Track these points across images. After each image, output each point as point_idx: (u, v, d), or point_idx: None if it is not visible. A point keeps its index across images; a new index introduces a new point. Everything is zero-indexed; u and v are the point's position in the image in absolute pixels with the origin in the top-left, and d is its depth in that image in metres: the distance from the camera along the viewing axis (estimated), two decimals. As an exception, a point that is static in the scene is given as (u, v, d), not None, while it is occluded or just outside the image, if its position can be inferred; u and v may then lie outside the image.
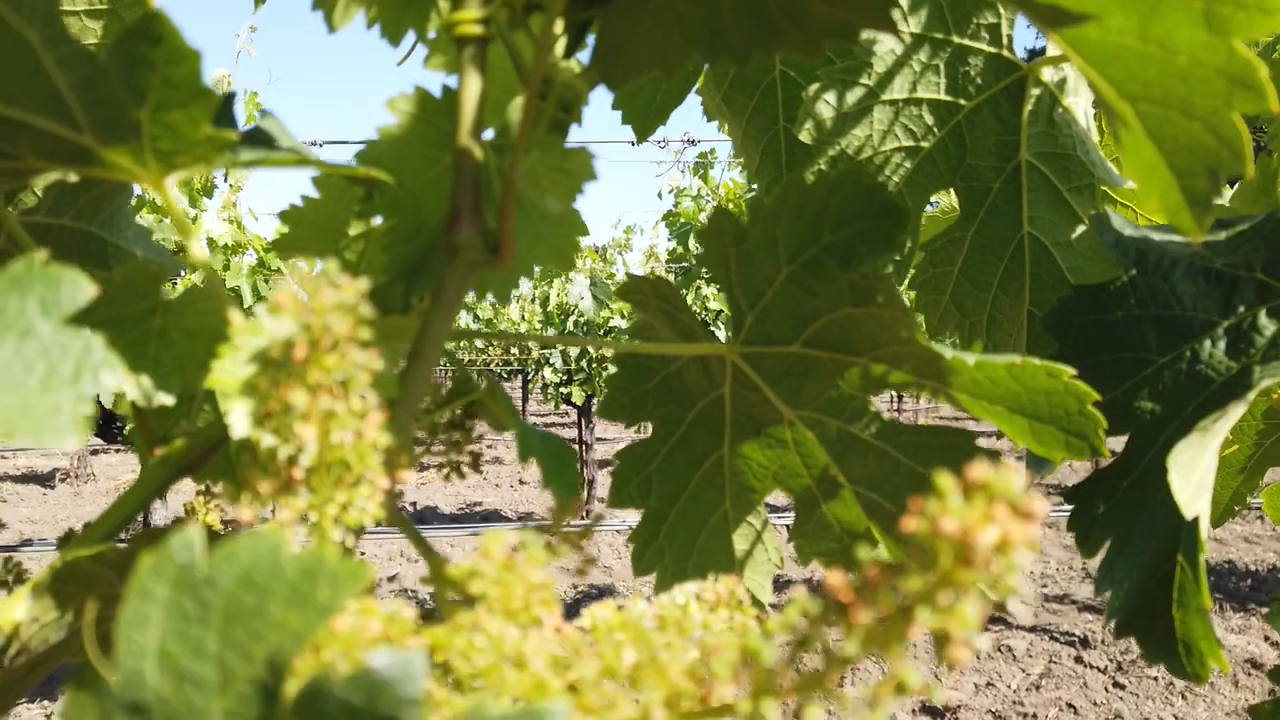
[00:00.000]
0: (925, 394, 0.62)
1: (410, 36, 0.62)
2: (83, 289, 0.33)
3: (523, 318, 11.25)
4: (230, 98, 0.50)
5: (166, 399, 0.49)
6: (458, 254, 0.44)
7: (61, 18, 0.37)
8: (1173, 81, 0.37)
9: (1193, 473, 0.47)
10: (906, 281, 0.94)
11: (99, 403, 0.57)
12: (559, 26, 0.44)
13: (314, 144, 3.44)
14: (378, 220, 0.58)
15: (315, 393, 0.33)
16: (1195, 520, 0.47)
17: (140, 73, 0.38)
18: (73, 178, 0.46)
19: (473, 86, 0.44)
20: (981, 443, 0.63)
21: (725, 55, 0.47)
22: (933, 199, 1.00)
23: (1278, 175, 0.69)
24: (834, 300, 0.59)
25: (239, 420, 0.37)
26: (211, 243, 6.50)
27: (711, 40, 0.46)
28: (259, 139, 0.49)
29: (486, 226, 0.45)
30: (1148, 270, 0.62)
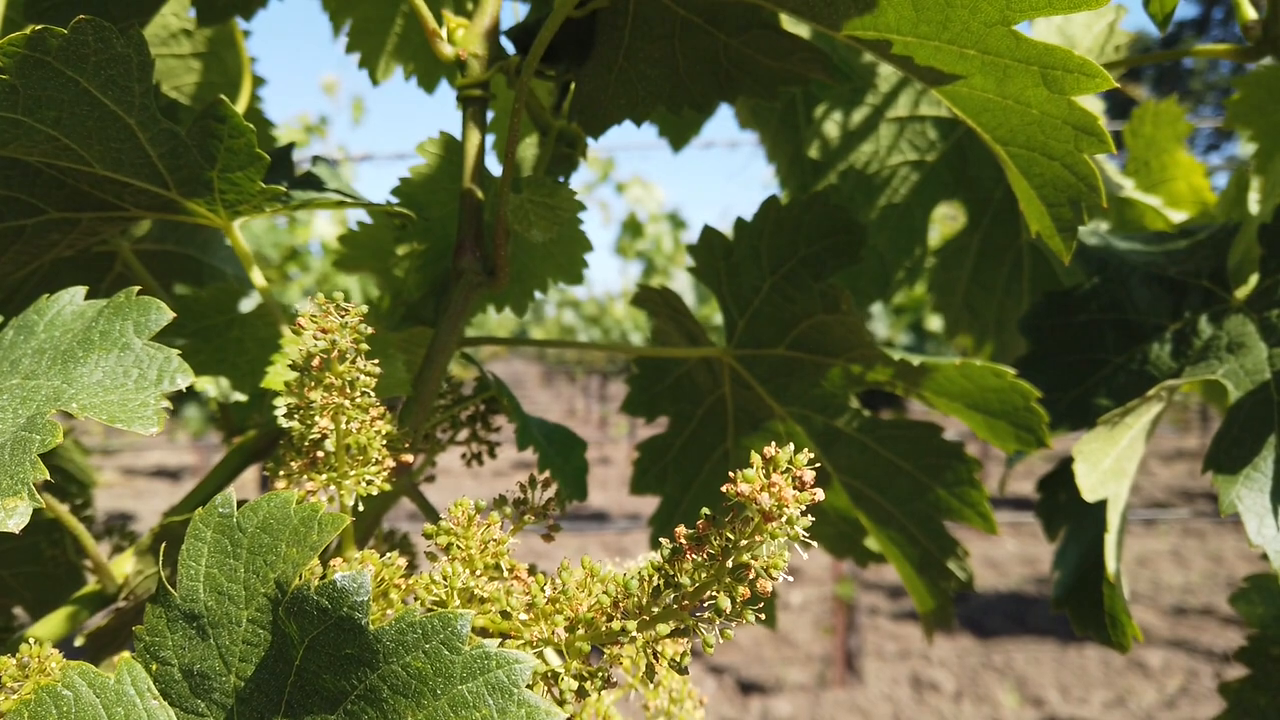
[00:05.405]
0: (898, 391, 0.69)
1: (444, 84, 0.72)
2: (164, 314, 0.44)
3: (626, 314, 11.45)
4: (288, 152, 0.61)
5: (241, 397, 0.61)
6: (461, 277, 0.54)
7: (154, 106, 0.49)
8: (1032, 129, 0.43)
9: (1101, 460, 0.53)
10: (922, 285, 1.00)
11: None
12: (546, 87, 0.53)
13: (401, 157, 3.68)
14: (417, 243, 0.68)
15: (329, 392, 0.43)
16: (1103, 503, 0.53)
17: (211, 143, 0.50)
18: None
19: (473, 139, 0.54)
20: (950, 435, 0.69)
21: (687, 105, 0.55)
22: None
23: (1249, 187, 0.72)
24: (809, 307, 0.66)
25: (279, 413, 0.48)
26: (325, 245, 6.91)
27: (673, 93, 0.54)
28: (309, 183, 0.60)
29: (486, 253, 0.55)
30: (1108, 277, 0.67)
